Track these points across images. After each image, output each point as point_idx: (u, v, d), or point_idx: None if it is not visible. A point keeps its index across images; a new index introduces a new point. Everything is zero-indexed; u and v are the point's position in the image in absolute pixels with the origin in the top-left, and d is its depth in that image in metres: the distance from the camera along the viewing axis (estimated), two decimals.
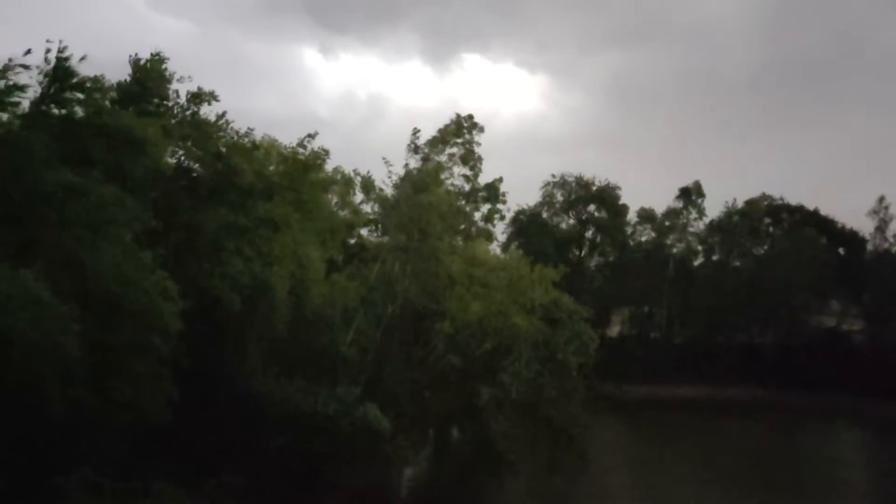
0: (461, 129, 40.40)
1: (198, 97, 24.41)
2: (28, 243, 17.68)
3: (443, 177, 39.17)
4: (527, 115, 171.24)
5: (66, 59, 19.55)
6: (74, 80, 19.58)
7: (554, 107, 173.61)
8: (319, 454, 27.12)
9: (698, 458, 49.48)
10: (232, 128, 26.01)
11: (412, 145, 39.16)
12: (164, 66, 23.20)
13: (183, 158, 24.16)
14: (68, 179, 17.46)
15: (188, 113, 24.09)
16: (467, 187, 42.55)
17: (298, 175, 28.34)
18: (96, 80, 20.02)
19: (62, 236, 17.61)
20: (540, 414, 33.50)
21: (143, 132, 19.31)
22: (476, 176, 42.06)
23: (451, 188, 40.31)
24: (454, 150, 40.41)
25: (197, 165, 24.01)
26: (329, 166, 34.57)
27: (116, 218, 18.36)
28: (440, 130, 39.99)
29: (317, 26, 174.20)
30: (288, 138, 32.77)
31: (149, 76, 22.81)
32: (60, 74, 19.46)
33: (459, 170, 40.90)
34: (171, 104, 23.78)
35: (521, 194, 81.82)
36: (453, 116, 40.82)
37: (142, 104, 22.62)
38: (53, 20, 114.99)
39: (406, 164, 38.42)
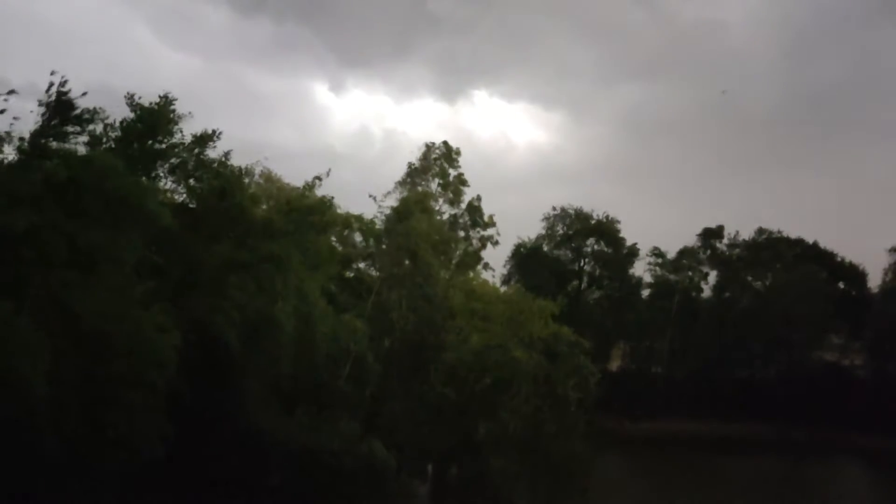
0: (439, 158, 41.31)
1: (203, 139, 24.60)
2: (14, 282, 17.48)
3: (431, 204, 39.63)
4: (541, 148, 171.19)
5: (67, 92, 19.60)
6: (74, 113, 19.60)
7: (569, 139, 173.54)
8: (319, 491, 26.65)
9: (702, 497, 48.60)
10: (233, 165, 26.37)
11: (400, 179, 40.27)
12: (171, 108, 23.36)
13: (185, 197, 24.25)
14: (54, 221, 17.38)
15: (194, 152, 24.22)
16: (449, 213, 42.94)
17: (301, 218, 28.60)
18: (95, 113, 20.03)
19: (47, 276, 17.44)
20: (539, 449, 33.06)
21: (141, 200, 19.24)
22: (458, 200, 42.60)
23: (438, 216, 40.75)
24: (435, 179, 41.18)
25: (198, 204, 23.97)
26: (343, 201, 35.41)
27: (106, 258, 18.22)
28: (420, 160, 40.96)
29: (326, 63, 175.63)
30: (304, 172, 33.53)
31: (156, 117, 22.96)
32: (60, 108, 19.50)
33: (442, 196, 41.46)
34: (176, 142, 23.89)
35: (535, 228, 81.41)
36: (434, 146, 41.82)
37: (145, 143, 22.78)
38: (66, 54, 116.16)
39: (392, 192, 39.30)
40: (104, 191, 19.05)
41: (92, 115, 19.99)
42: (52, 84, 19.65)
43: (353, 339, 30.88)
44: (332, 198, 34.38)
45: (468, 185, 42.81)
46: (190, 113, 23.89)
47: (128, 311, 18.23)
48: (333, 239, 37.83)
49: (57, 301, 17.68)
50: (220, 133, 25.18)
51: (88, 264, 18.42)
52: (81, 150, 20.80)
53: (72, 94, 19.81)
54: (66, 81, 19.77)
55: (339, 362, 31.09)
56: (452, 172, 41.91)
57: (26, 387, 15.85)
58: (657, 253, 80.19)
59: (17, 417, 16.40)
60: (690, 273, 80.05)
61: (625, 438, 60.17)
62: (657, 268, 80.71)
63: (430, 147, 41.87)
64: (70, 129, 19.52)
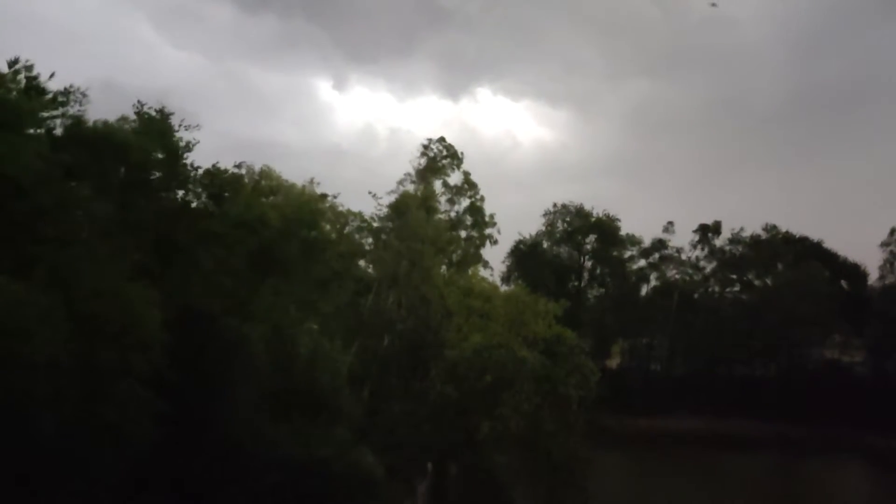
0: (443, 158, 41.32)
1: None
2: (26, 261, 17.34)
3: (431, 204, 39.61)
4: (547, 145, 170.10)
5: (35, 77, 19.41)
6: (46, 96, 19.43)
7: (575, 137, 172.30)
8: (309, 498, 26.54)
9: (702, 495, 48.57)
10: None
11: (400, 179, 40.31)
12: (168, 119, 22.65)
13: (185, 199, 23.83)
14: (62, 194, 17.22)
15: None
16: (453, 213, 42.90)
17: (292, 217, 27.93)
18: (68, 94, 19.75)
19: (58, 253, 17.31)
20: (539, 448, 33.00)
21: (121, 137, 19.03)
22: (474, 203, 42.46)
23: (440, 216, 40.73)
24: (440, 177, 41.18)
25: (196, 205, 23.63)
26: (348, 200, 35.17)
27: (108, 232, 18.08)
28: (420, 158, 41.07)
29: (329, 59, 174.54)
30: (309, 171, 33.20)
31: (153, 126, 22.48)
32: (32, 92, 19.35)
33: (444, 195, 41.48)
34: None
35: (539, 225, 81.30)
36: (433, 145, 41.84)
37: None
38: (69, 53, 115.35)
39: (394, 191, 39.29)
40: (82, 137, 18.89)
41: (66, 95, 19.54)
42: (14, 70, 19.36)
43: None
44: (325, 195, 33.81)
45: (474, 187, 42.81)
46: (198, 126, 22.44)
47: (118, 286, 17.94)
48: (334, 236, 37.47)
49: (63, 282, 17.51)
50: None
51: (90, 238, 18.29)
52: None
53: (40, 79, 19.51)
54: (31, 66, 19.49)
55: (338, 364, 30.82)
56: (456, 172, 41.95)
57: (34, 371, 15.70)
58: (632, 241, 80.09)
59: (21, 403, 16.25)
60: (691, 271, 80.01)
61: (623, 436, 60.08)
62: (640, 259, 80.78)
63: (427, 146, 41.81)
64: (44, 115, 19.22)
